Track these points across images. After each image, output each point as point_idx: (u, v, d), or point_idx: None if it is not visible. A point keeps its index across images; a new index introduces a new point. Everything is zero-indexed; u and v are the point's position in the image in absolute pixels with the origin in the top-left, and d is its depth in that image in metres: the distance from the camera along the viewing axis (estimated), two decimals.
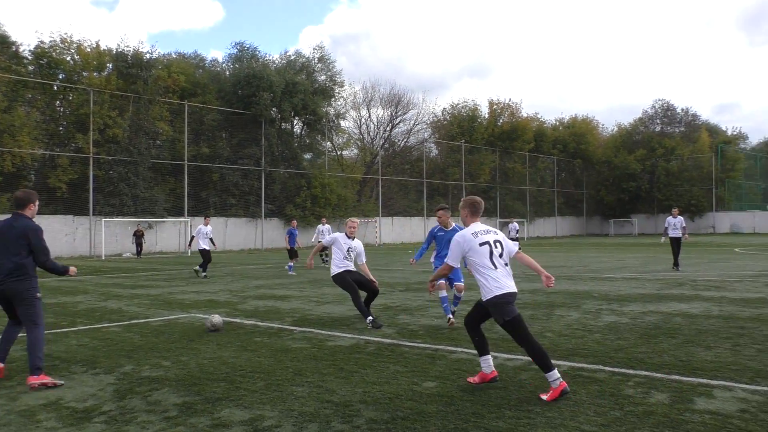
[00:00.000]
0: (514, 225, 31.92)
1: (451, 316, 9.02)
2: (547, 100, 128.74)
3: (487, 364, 5.62)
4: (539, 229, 70.39)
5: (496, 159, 65.25)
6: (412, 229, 57.14)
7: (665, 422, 4.55)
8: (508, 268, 5.46)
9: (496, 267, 5.35)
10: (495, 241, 5.45)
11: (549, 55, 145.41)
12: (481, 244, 5.39)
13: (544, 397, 5.11)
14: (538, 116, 75.44)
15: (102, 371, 6.43)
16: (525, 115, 71.70)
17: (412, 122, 65.12)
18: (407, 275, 18.60)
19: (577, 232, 76.06)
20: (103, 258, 33.94)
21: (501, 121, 68.43)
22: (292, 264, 20.69)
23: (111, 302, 12.73)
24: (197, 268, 19.20)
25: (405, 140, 65.55)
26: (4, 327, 6.35)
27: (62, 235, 36.29)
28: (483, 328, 5.81)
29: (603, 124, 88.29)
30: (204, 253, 19.25)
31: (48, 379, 5.87)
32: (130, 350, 7.52)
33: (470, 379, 5.70)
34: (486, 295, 5.34)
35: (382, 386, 5.64)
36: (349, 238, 9.48)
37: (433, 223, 58.82)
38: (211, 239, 19.59)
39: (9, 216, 6.22)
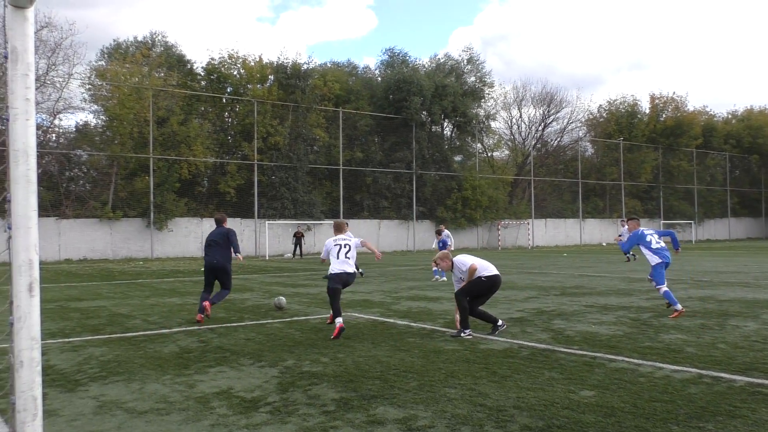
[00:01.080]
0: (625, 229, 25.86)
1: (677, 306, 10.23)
2: (716, 91, 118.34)
3: (339, 321, 8.63)
4: (709, 232, 65.03)
5: (658, 157, 61.17)
6: (567, 231, 55.16)
7: None
8: (347, 260, 9.06)
9: (338, 258, 9.03)
10: (345, 244, 9.13)
11: (718, 42, 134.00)
12: (335, 245, 9.11)
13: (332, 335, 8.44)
14: (707, 109, 69.71)
15: (267, 364, 6.85)
16: (691, 108, 66.57)
17: (566, 121, 62.93)
18: (562, 279, 17.99)
19: (755, 235, 69.26)
20: (267, 258, 36.19)
21: (664, 116, 64.04)
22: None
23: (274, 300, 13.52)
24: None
25: (558, 139, 63.53)
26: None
27: None
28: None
29: None
30: None
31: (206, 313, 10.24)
32: (291, 345, 7.94)
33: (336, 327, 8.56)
34: (329, 272, 9.25)
35: (536, 392, 5.49)
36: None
37: (589, 224, 56.01)
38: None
39: (216, 227, 11.06)
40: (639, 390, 5.52)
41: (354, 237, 9.50)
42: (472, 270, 8.57)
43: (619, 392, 5.46)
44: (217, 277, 10.51)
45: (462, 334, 8.36)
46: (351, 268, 9.07)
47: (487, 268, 8.71)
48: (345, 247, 9.12)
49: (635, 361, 6.72)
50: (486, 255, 36.94)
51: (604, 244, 54.64)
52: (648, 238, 10.65)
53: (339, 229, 9.66)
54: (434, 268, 20.41)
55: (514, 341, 8.00)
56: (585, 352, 7.23)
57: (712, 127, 66.20)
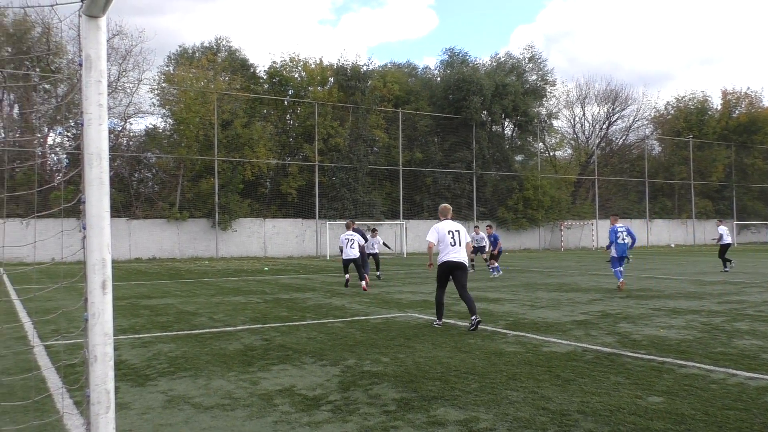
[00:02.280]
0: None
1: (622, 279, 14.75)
2: None
3: (347, 277, 16.25)
4: None
5: (731, 155, 58.73)
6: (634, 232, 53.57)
7: None
8: (353, 249, 15.98)
9: (347, 247, 16.00)
10: (352, 239, 16.02)
11: None
12: (346, 239, 16.11)
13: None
14: None
15: (328, 363, 6.91)
16: (767, 104, 63.68)
17: (632, 118, 61.22)
18: (628, 281, 17.48)
19: None
20: (328, 258, 36.60)
21: (737, 112, 61.48)
22: (496, 265, 20.29)
23: (335, 299, 13.67)
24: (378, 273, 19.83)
25: (623, 138, 61.87)
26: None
27: (293, 237, 39.86)
28: None
29: None
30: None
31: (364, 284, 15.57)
32: (352, 345, 7.99)
33: None
34: (343, 256, 16.21)
35: (601, 397, 5.35)
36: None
37: (657, 225, 54.55)
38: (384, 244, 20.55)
39: (347, 230, 16.66)
40: (711, 397, 5.31)
41: (356, 236, 16.21)
42: (428, 248, 9.78)
43: (690, 399, 5.27)
44: (355, 263, 16.08)
45: (435, 324, 9.47)
46: (356, 253, 15.94)
47: (442, 252, 9.41)
48: (351, 241, 16.08)
49: (707, 367, 6.47)
50: (549, 256, 36.33)
51: (673, 245, 52.86)
52: (618, 234, 14.85)
53: (348, 227, 16.68)
54: (491, 266, 20.24)
55: (578, 344, 7.83)
56: (653, 357, 7.00)
57: None
